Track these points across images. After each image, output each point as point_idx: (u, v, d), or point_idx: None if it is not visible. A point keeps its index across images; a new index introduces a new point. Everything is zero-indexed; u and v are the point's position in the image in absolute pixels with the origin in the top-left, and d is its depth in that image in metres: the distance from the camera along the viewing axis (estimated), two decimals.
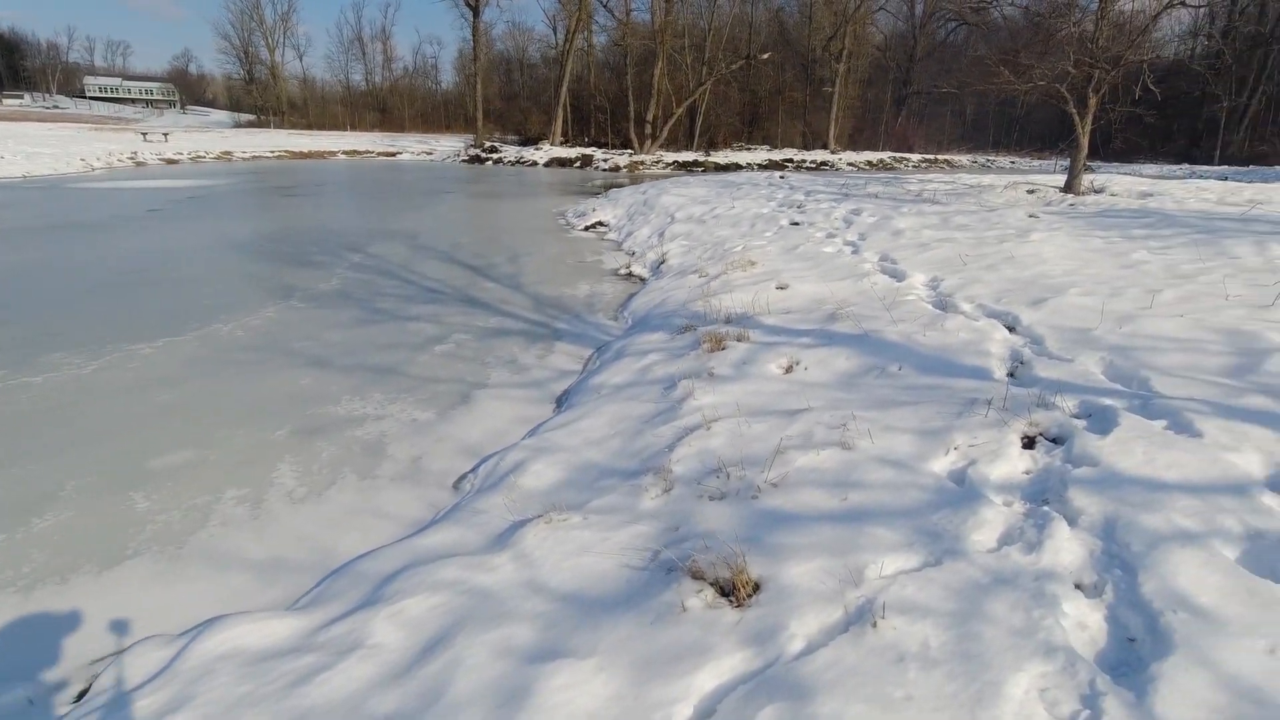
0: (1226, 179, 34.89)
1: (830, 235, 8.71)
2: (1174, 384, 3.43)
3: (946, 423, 3.13)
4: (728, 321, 5.27)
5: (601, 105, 44.62)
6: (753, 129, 51.33)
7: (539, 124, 45.79)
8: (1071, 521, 2.41)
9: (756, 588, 2.23)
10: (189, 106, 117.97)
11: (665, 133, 36.98)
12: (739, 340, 4.70)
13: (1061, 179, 16.64)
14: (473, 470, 3.82)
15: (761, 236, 9.14)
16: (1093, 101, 12.02)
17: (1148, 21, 10.99)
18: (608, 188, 20.13)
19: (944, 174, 21.62)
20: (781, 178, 15.64)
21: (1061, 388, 3.49)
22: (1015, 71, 11.71)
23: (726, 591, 2.24)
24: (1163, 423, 3.01)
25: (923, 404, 3.42)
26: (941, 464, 2.85)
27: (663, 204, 12.64)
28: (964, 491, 2.63)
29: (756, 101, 50.72)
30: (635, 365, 4.85)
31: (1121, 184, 14.19)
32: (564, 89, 39.05)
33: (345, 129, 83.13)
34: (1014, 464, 2.81)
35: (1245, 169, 39.59)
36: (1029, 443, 2.99)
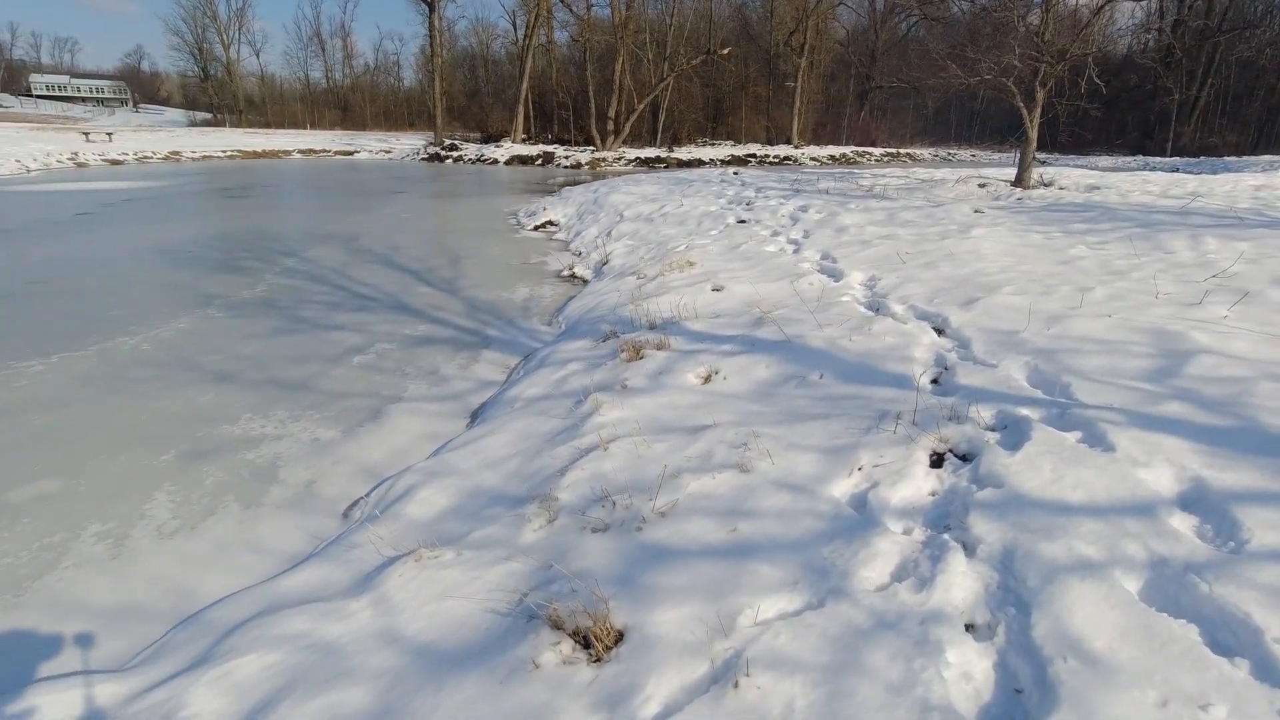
0: (1178, 170, 35.71)
1: (775, 233, 8.54)
2: (1094, 390, 3.29)
3: (854, 439, 2.94)
4: (652, 328, 5.05)
5: (564, 102, 44.23)
6: (717, 124, 51.31)
7: (501, 121, 45.28)
8: (970, 551, 2.24)
9: (620, 638, 2.01)
10: (142, 105, 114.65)
11: (627, 129, 36.71)
12: (659, 349, 4.49)
13: (1012, 170, 16.76)
14: (365, 496, 3.55)
15: (707, 235, 8.95)
16: (1040, 95, 12.05)
17: (1091, 15, 11.02)
18: (565, 186, 19.82)
19: (901, 168, 21.72)
20: (735, 174, 15.51)
21: (981, 396, 3.33)
22: (962, 66, 11.68)
23: (588, 643, 2.02)
24: (1076, 435, 2.86)
25: (834, 417, 3.23)
26: (843, 487, 2.66)
27: (612, 202, 12.39)
28: (862, 519, 2.44)
29: (720, 97, 50.69)
30: (552, 376, 4.61)
31: (1071, 177, 14.30)
32: (524, 85, 38.56)
33: (305, 127, 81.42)
34: (918, 485, 2.63)
35: (1196, 160, 40.57)
36: (937, 460, 2.81)
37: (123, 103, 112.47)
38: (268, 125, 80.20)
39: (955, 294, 5.14)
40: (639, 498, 2.69)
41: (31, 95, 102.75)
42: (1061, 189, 12.67)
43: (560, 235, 11.96)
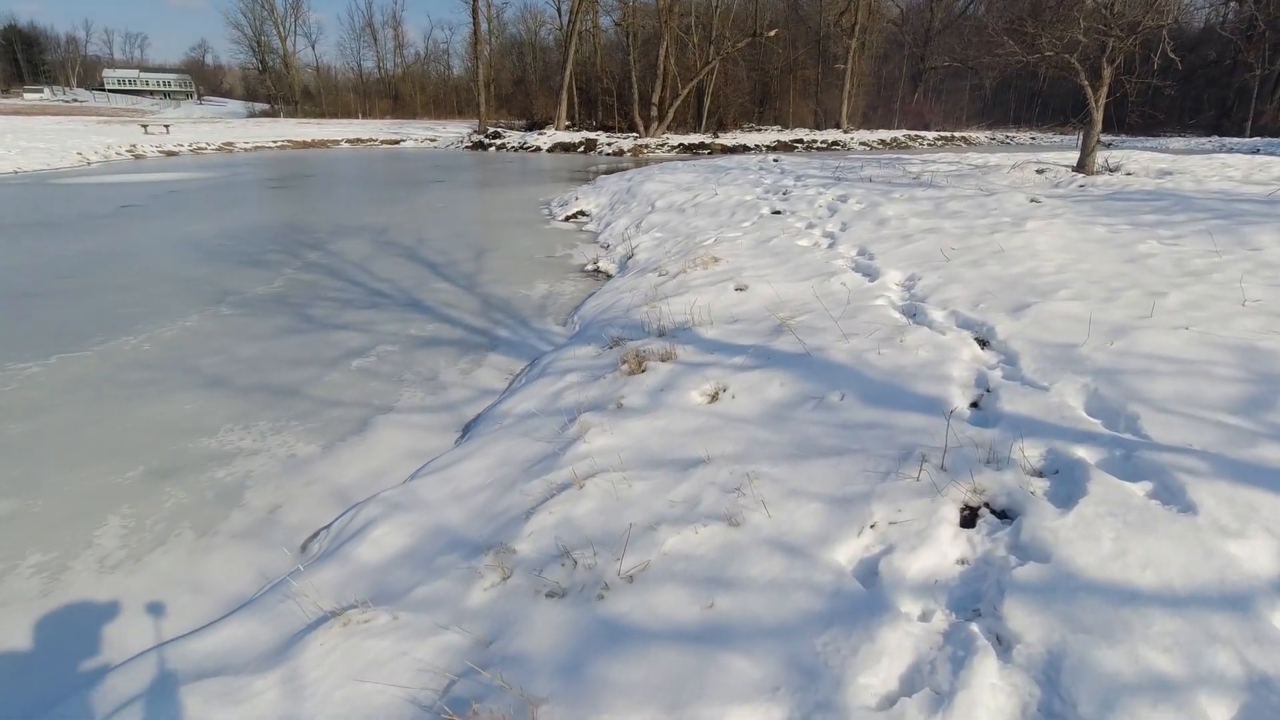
0: (1258, 151, 33.41)
1: (810, 225, 7.98)
2: (1168, 425, 2.74)
3: (869, 486, 2.47)
4: (661, 334, 4.62)
5: (608, 89, 43.71)
6: (764, 109, 50.13)
7: (546, 108, 45.00)
8: (1004, 651, 1.76)
9: None
10: (205, 97, 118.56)
11: (671, 115, 36.04)
12: (664, 360, 4.05)
13: (1074, 153, 15.68)
14: (326, 527, 3.23)
15: (738, 227, 8.44)
16: (1107, 73, 11.09)
17: None
18: (602, 174, 19.41)
19: (955, 153, 20.64)
20: (775, 161, 14.84)
21: (1028, 428, 2.81)
22: (1021, 42, 10.80)
23: None
24: (1145, 487, 2.33)
25: (849, 454, 2.76)
26: (850, 550, 2.20)
27: (645, 192, 11.93)
28: (869, 596, 1.98)
29: (767, 81, 49.47)
30: (548, 389, 4.23)
31: (1139, 161, 13.24)
32: (568, 72, 38.19)
33: (357, 117, 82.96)
34: (944, 552, 2.15)
35: (1279, 140, 37.90)
36: (969, 517, 2.32)
37: (188, 95, 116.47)
38: (321, 115, 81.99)
39: (1003, 298, 4.56)
40: (606, 555, 2.28)
41: (104, 89, 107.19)
42: (1129, 174, 11.70)
43: (590, 226, 11.56)
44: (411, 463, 3.86)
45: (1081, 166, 12.04)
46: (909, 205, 8.39)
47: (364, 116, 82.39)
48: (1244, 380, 3.06)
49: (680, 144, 34.23)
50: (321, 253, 9.59)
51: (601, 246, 9.97)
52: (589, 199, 13.16)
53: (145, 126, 35.84)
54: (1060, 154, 18.32)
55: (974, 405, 3.29)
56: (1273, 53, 46.46)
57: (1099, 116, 11.62)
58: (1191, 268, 4.97)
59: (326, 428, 4.37)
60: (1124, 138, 42.13)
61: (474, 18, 36.92)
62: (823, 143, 37.81)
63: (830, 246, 6.86)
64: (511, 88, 56.74)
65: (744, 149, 34.69)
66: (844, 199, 9.12)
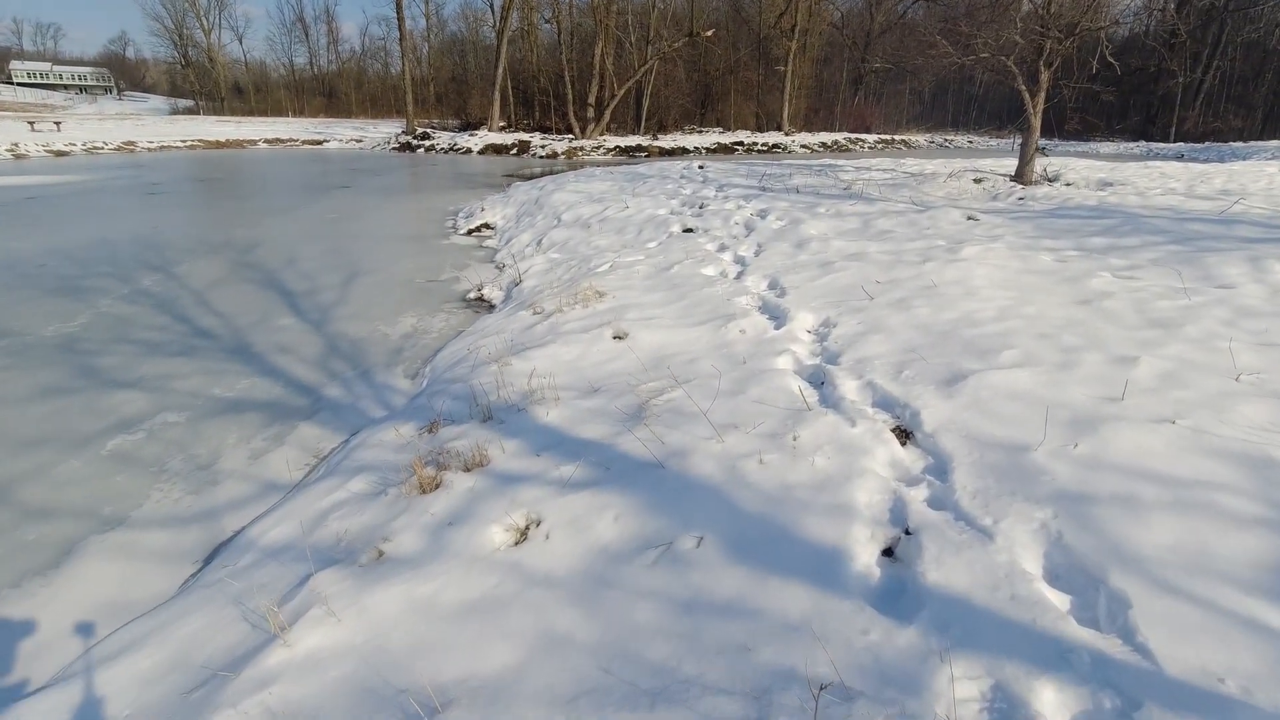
0: (1183, 156, 34.16)
1: (721, 247, 6.93)
2: (1176, 626, 1.73)
3: None
4: (487, 420, 3.46)
5: (545, 88, 42.33)
6: (706, 111, 49.43)
7: (481, 108, 43.33)
8: None
9: None
10: (126, 93, 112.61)
11: (607, 116, 34.91)
12: (468, 469, 2.90)
13: (1015, 162, 15.14)
14: None
15: (642, 249, 7.35)
16: (1044, 77, 10.40)
17: None
18: (519, 180, 18.15)
19: (893, 158, 20.03)
20: (700, 168, 13.83)
21: (963, 629, 1.77)
22: (955, 43, 10.02)
23: None
24: None
25: (686, 685, 1.66)
26: None
27: (553, 203, 10.76)
28: None
29: (709, 82, 48.78)
30: (321, 503, 3.03)
31: (1078, 170, 12.68)
32: (499, 71, 36.69)
33: (288, 115, 79.81)
34: None
35: (1202, 146, 39.07)
36: None
37: (106, 90, 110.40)
38: (250, 113, 78.66)
39: (934, 360, 3.56)
40: None
41: (12, 83, 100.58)
42: (1068, 185, 11.06)
43: (491, 242, 10.34)
44: (108, 620, 2.64)
45: (1020, 176, 11.36)
46: (834, 222, 7.44)
47: (295, 115, 79.29)
48: (1270, 524, 2.07)
49: (617, 146, 33.13)
50: (160, 277, 8.13)
51: (496, 267, 8.77)
52: (496, 210, 11.93)
53: (32, 124, 32.96)
54: (997, 160, 17.86)
55: (887, 553, 2.24)
56: (1193, 62, 48.01)
57: (1037, 123, 10.94)
58: (1158, 314, 4.06)
59: (9, 556, 3.09)
60: (1056, 142, 42.84)
61: (398, 14, 35.10)
62: (763, 145, 37.23)
63: (738, 276, 5.81)
64: (456, 87, 54.77)
65: (682, 151, 33.81)
66: (764, 214, 8.13)
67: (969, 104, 59.88)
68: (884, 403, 3.22)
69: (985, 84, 54.59)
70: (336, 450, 3.96)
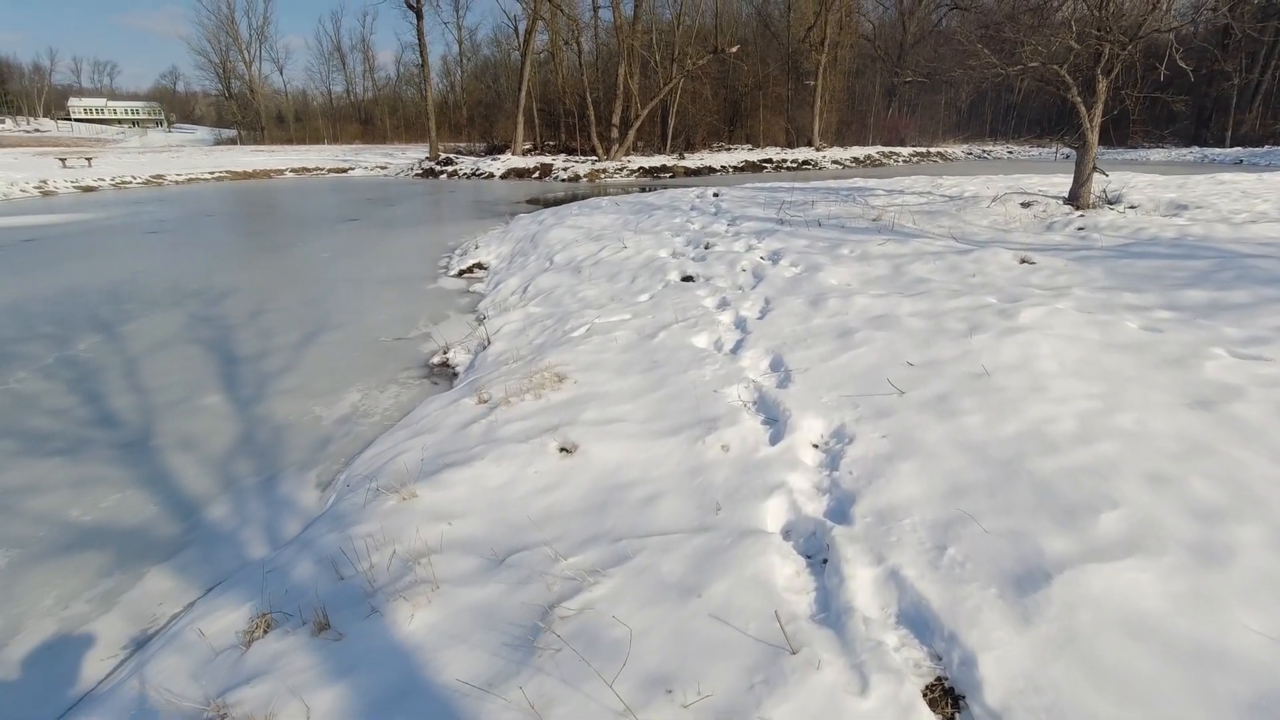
0: (1241, 162, 31.95)
1: (723, 304, 5.80)
2: None
3: None
4: (321, 629, 2.37)
5: (570, 110, 41.80)
6: (734, 127, 48.43)
7: (506, 131, 42.98)
8: None
9: None
10: (176, 124, 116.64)
11: (631, 136, 34.13)
12: None
13: (1063, 178, 13.72)
14: None
15: (632, 304, 6.26)
16: (1102, 86, 9.08)
17: None
18: (529, 210, 17.26)
19: (927, 175, 18.67)
20: (715, 196, 12.69)
21: None
22: (998, 51, 8.78)
23: None
24: None
25: None
26: None
27: (548, 241, 9.77)
28: None
29: (737, 98, 47.81)
30: None
31: (1140, 189, 11.25)
32: (523, 93, 36.23)
33: (325, 142, 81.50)
34: None
35: (1262, 150, 36.73)
36: None
37: (157, 123, 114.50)
38: (289, 140, 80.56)
39: (995, 523, 2.38)
40: None
41: (69, 118, 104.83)
42: (1133, 208, 9.68)
43: (480, 285, 9.36)
44: None
45: (1075, 198, 10.00)
46: (859, 268, 6.26)
47: (332, 142, 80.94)
48: None
49: (641, 167, 32.25)
50: (102, 339, 7.30)
51: (476, 319, 7.78)
52: (491, 248, 10.98)
53: (63, 160, 33.42)
54: (1043, 175, 16.42)
55: None
56: (1249, 62, 45.43)
57: (1094, 138, 9.60)
58: None
59: None
60: (1101, 150, 40.72)
61: (419, 40, 34.90)
62: (793, 162, 36.01)
63: (735, 349, 4.67)
64: (478, 110, 54.74)
65: (709, 170, 32.77)
66: (777, 256, 6.98)
67: (1007, 112, 57.75)
68: (916, 621, 2.05)
69: (1024, 91, 52.59)
70: (165, 628, 2.92)
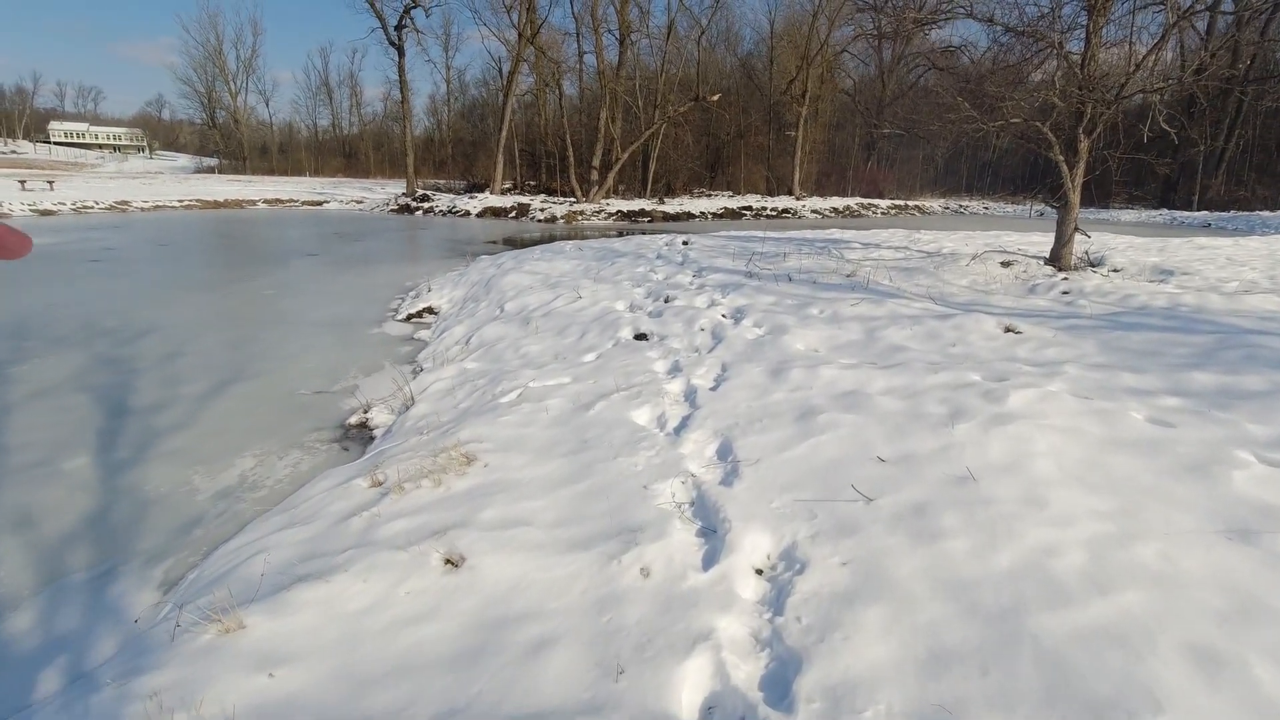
0: (1210, 226, 32.45)
1: (674, 369, 5.15)
2: None
3: None
4: None
5: (551, 151, 41.77)
6: (715, 174, 48.76)
7: (487, 169, 42.78)
8: None
9: None
10: (158, 151, 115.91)
11: (610, 179, 33.94)
12: None
13: (1041, 236, 13.44)
14: None
15: (575, 365, 5.58)
16: (1084, 145, 8.74)
17: (1165, 31, 7.76)
18: (520, 245, 16.68)
19: (905, 229, 18.41)
20: (685, 244, 12.19)
21: None
22: (979, 107, 8.41)
23: None
24: None
25: None
26: None
27: (503, 287, 9.12)
28: None
29: (719, 145, 48.24)
30: None
31: (1121, 250, 10.91)
32: (503, 133, 36.05)
33: (306, 174, 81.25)
34: None
35: (1228, 215, 37.43)
36: None
37: (139, 149, 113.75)
38: (271, 172, 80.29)
39: None
40: None
41: (49, 142, 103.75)
42: (1116, 271, 9.28)
43: (426, 332, 8.64)
44: None
45: (1056, 259, 9.59)
46: (829, 331, 5.65)
47: (314, 175, 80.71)
48: None
49: (620, 210, 31.97)
50: None
51: (413, 371, 7.05)
52: (445, 291, 10.31)
53: (23, 182, 32.48)
54: (1021, 233, 16.19)
55: None
56: (1214, 129, 46.75)
57: (1076, 199, 9.23)
58: None
59: None
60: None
61: (400, 77, 34.72)
62: (773, 210, 36.02)
63: (679, 429, 3.99)
64: (460, 148, 54.70)
65: (688, 216, 32.59)
66: (741, 315, 6.37)
67: (983, 169, 58.91)
68: None
69: (1000, 149, 53.71)
70: None
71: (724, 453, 3.61)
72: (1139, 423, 3.56)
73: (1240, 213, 39.32)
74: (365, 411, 5.85)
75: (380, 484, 3.72)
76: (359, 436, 5.47)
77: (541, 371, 5.43)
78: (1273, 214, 37.07)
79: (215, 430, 5.50)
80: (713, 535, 2.86)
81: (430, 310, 9.79)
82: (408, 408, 5.62)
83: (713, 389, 4.58)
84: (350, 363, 7.45)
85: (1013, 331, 5.52)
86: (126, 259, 15.45)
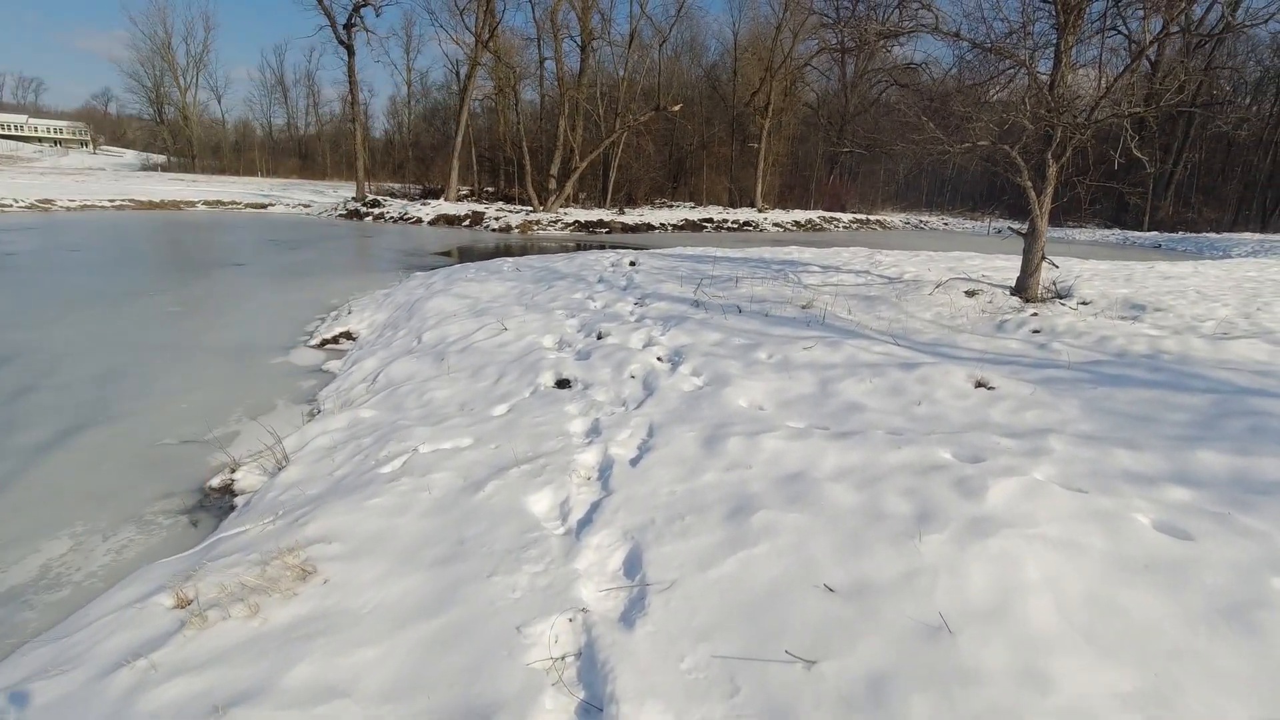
0: (1160, 246, 32.98)
1: (592, 430, 4.33)
2: None
3: None
4: None
5: (510, 157, 40.73)
6: (678, 185, 48.22)
7: (444, 175, 41.55)
8: None
9: None
10: (103, 147, 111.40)
11: (568, 188, 33.10)
12: None
13: (1004, 260, 13.01)
14: None
15: (482, 418, 4.73)
16: (1052, 170, 8.21)
17: (1138, 54, 7.26)
18: (472, 256, 15.69)
19: (867, 246, 17.93)
20: (631, 264, 11.42)
21: None
22: (944, 127, 7.82)
23: None
24: None
25: None
26: None
27: (426, 312, 8.21)
28: None
29: (682, 156, 47.75)
30: None
31: (1087, 279, 10.45)
32: (459, 138, 34.96)
33: (258, 175, 78.83)
34: None
35: (1177, 236, 38.20)
36: None
37: (82, 144, 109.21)
38: (222, 171, 77.77)
39: None
40: None
41: None
42: (1085, 304, 8.77)
43: (336, 363, 7.68)
44: None
45: (1022, 289, 9.05)
46: (777, 383, 4.90)
47: (267, 175, 78.31)
48: None
49: (577, 220, 31.11)
50: None
51: (310, 414, 6.12)
52: (368, 312, 9.34)
53: None
54: (984, 256, 15.80)
55: None
56: (1163, 153, 47.90)
57: (1043, 225, 8.70)
58: None
59: None
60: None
61: (350, 77, 33.41)
62: (734, 223, 35.58)
63: (581, 527, 3.17)
64: (416, 151, 53.23)
65: (648, 227, 31.92)
66: (680, 358, 5.59)
67: (943, 185, 59.67)
68: None
69: (958, 166, 54.34)
70: None
71: (631, 568, 2.81)
72: (1148, 532, 2.85)
73: (1189, 234, 40.24)
74: (232, 471, 4.90)
75: (187, 604, 2.83)
76: (215, 506, 4.53)
77: (439, 429, 4.56)
78: (1219, 236, 37.98)
79: (34, 497, 4.51)
80: (596, 710, 2.04)
81: (348, 335, 8.82)
82: (280, 468, 4.70)
83: (633, 462, 3.77)
84: (238, 401, 6.47)
85: (985, 387, 4.84)
86: (24, 266, 14.06)
